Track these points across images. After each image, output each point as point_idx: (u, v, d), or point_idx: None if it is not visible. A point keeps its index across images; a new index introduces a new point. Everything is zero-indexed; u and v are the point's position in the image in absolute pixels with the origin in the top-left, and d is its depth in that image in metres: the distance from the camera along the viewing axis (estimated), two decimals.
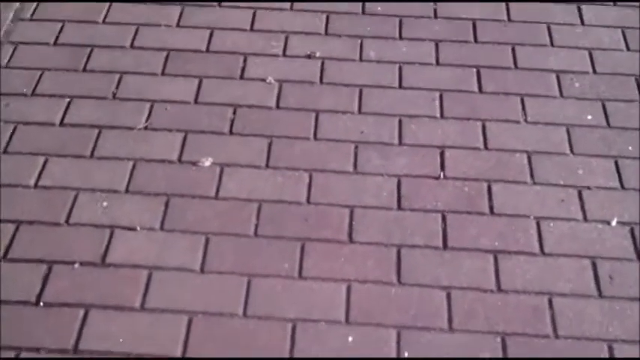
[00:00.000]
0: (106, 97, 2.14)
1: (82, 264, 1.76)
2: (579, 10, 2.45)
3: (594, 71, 2.26)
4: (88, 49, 2.27)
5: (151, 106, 2.12)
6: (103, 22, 2.37)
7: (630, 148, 2.04)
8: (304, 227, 1.85)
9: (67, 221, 1.84)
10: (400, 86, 2.20)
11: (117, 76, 2.20)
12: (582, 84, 2.22)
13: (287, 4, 2.44)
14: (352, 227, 1.85)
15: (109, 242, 1.80)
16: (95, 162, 1.97)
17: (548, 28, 2.39)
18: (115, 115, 2.09)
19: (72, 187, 1.91)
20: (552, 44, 2.34)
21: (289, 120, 2.10)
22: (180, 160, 1.98)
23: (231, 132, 2.06)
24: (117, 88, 2.17)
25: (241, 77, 2.21)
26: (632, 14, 2.43)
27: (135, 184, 1.92)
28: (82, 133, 2.03)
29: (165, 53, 2.27)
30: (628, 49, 2.33)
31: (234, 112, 2.11)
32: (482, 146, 2.05)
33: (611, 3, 2.47)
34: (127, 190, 1.91)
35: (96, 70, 2.21)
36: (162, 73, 2.22)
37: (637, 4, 2.45)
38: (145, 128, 2.06)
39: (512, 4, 2.46)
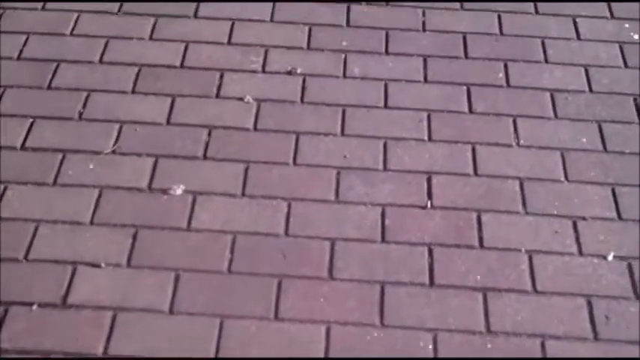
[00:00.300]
0: (71, 117, 2.01)
1: (40, 305, 1.63)
2: (575, 23, 2.33)
3: (590, 89, 2.14)
4: (54, 65, 2.13)
5: (120, 128, 1.98)
6: (71, 34, 2.23)
7: (627, 174, 1.93)
8: (281, 262, 1.73)
9: (25, 257, 1.71)
10: (386, 106, 2.08)
11: (84, 95, 2.06)
12: (577, 103, 2.10)
13: (267, 16, 2.31)
14: (333, 262, 1.73)
15: (71, 280, 1.67)
16: (58, 190, 1.84)
17: (543, 43, 2.27)
18: (81, 138, 1.96)
19: (32, 219, 1.78)
20: (546, 60, 2.22)
21: (267, 143, 1.97)
22: (150, 187, 1.86)
23: (205, 156, 1.94)
24: (84, 107, 2.03)
25: (217, 95, 2.09)
26: (630, 28, 2.31)
27: (101, 215, 1.79)
28: (44, 158, 1.90)
29: (136, 69, 2.14)
30: (626, 65, 2.21)
31: (209, 134, 1.98)
32: (471, 172, 1.93)
33: (609, 15, 2.36)
34: (91, 222, 1.78)
35: (62, 87, 2.08)
36: (133, 91, 2.08)
37: (635, 17, 2.33)
38: (113, 152, 1.93)
39: (504, 16, 2.34)
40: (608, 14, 2.36)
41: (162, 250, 1.73)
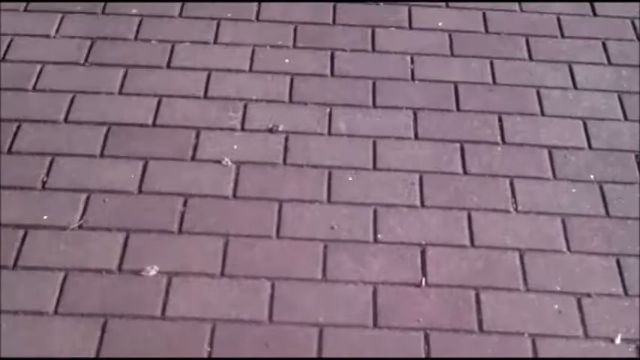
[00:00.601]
0: (34, 187, 1.84)
1: None
2: (571, 70, 2.21)
3: (590, 146, 2.02)
4: (15, 125, 1.96)
5: (88, 198, 1.82)
6: (34, 89, 2.06)
7: (632, 243, 1.82)
8: (265, 353, 1.59)
9: None
10: (375, 167, 1.94)
11: (48, 160, 1.90)
12: (577, 162, 1.98)
13: (246, 65, 2.16)
14: (321, 352, 1.60)
15: None
16: (19, 274, 1.68)
17: (538, 93, 2.14)
18: (45, 211, 1.79)
19: None
20: (543, 113, 2.09)
21: (248, 213, 1.82)
22: (120, 268, 1.70)
23: (180, 230, 1.78)
24: (47, 174, 1.87)
25: (193, 158, 1.93)
26: (629, 75, 2.20)
27: (66, 303, 1.63)
28: (4, 237, 1.74)
29: (105, 128, 1.97)
30: (626, 118, 2.09)
31: (185, 204, 1.83)
32: (468, 243, 1.80)
33: (606, 62, 2.24)
34: (55, 311, 1.62)
35: (23, 151, 1.91)
36: (102, 155, 1.92)
37: (635, 63, 2.22)
38: (80, 227, 1.77)
39: (497, 63, 2.21)
40: (605, 60, 2.24)
41: (133, 343, 1.58)
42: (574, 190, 1.92)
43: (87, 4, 2.30)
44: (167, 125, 2.00)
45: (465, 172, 1.94)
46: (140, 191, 1.85)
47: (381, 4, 2.37)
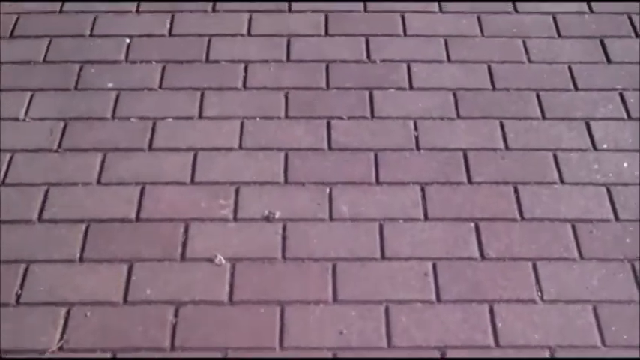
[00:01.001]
0: (7, 302, 1.66)
1: None
2: (588, 127, 2.04)
3: (616, 217, 1.85)
4: None
5: (68, 313, 1.64)
6: (3, 183, 1.87)
7: None
8: None
9: None
10: (383, 256, 1.76)
11: (22, 268, 1.71)
12: (604, 237, 1.81)
13: (235, 142, 1.98)
14: None
15: None
16: None
17: (555, 157, 1.97)
18: (21, 330, 1.61)
19: None
20: (562, 180, 1.92)
21: (247, 321, 1.64)
22: None
23: (172, 346, 1.60)
24: (22, 286, 1.68)
25: (183, 257, 1.75)
26: None
27: None
28: None
29: (83, 227, 1.79)
30: None
31: (176, 314, 1.65)
32: (492, 343, 1.63)
33: (625, 116, 2.07)
34: None
35: None
36: (81, 259, 1.74)
37: None
38: (60, 348, 1.59)
39: (507, 124, 2.04)
40: (624, 114, 2.07)
41: None
42: (604, 272, 1.75)
43: (59, 78, 2.11)
44: (152, 219, 1.81)
45: (483, 257, 1.77)
46: (126, 301, 1.67)
47: (378, 61, 2.19)
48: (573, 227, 1.83)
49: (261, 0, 2.33)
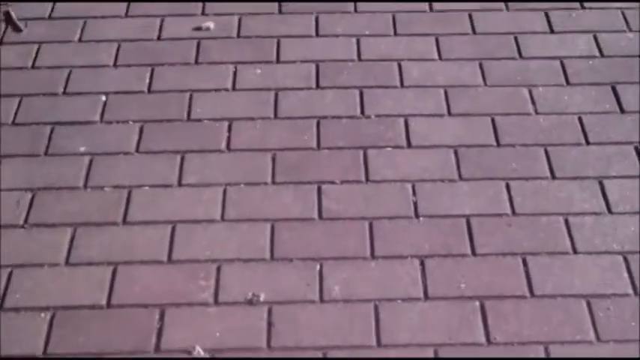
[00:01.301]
0: None
1: None
2: (602, 187, 1.87)
3: (635, 291, 1.67)
4: None
5: None
6: None
7: None
8: None
9: None
10: (379, 344, 1.59)
11: None
12: (622, 316, 1.63)
13: (217, 213, 1.81)
14: None
15: None
16: None
17: (567, 223, 1.80)
18: None
19: None
20: (575, 249, 1.75)
21: None
22: None
23: None
24: None
25: (157, 348, 1.58)
26: None
27: None
28: None
29: (49, 316, 1.63)
30: None
31: None
32: None
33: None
34: None
35: None
36: (45, 352, 1.57)
37: None
38: None
39: (513, 185, 1.87)
40: (638, 172, 1.90)
41: None
42: (620, 355, 1.57)
43: (27, 143, 1.96)
44: (124, 305, 1.65)
45: (489, 342, 1.60)
46: None
47: (373, 116, 2.03)
48: (588, 305, 1.65)
49: None
